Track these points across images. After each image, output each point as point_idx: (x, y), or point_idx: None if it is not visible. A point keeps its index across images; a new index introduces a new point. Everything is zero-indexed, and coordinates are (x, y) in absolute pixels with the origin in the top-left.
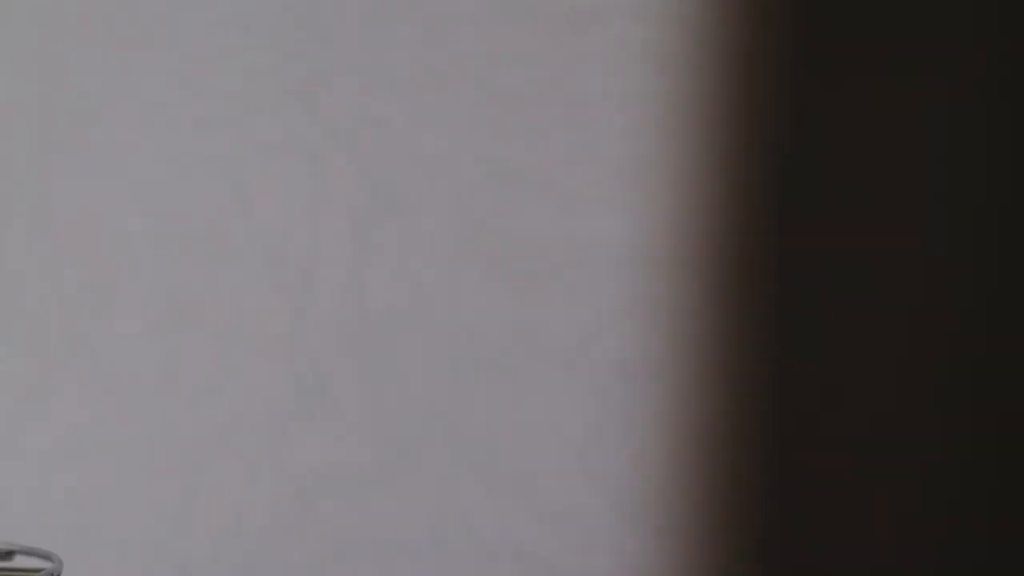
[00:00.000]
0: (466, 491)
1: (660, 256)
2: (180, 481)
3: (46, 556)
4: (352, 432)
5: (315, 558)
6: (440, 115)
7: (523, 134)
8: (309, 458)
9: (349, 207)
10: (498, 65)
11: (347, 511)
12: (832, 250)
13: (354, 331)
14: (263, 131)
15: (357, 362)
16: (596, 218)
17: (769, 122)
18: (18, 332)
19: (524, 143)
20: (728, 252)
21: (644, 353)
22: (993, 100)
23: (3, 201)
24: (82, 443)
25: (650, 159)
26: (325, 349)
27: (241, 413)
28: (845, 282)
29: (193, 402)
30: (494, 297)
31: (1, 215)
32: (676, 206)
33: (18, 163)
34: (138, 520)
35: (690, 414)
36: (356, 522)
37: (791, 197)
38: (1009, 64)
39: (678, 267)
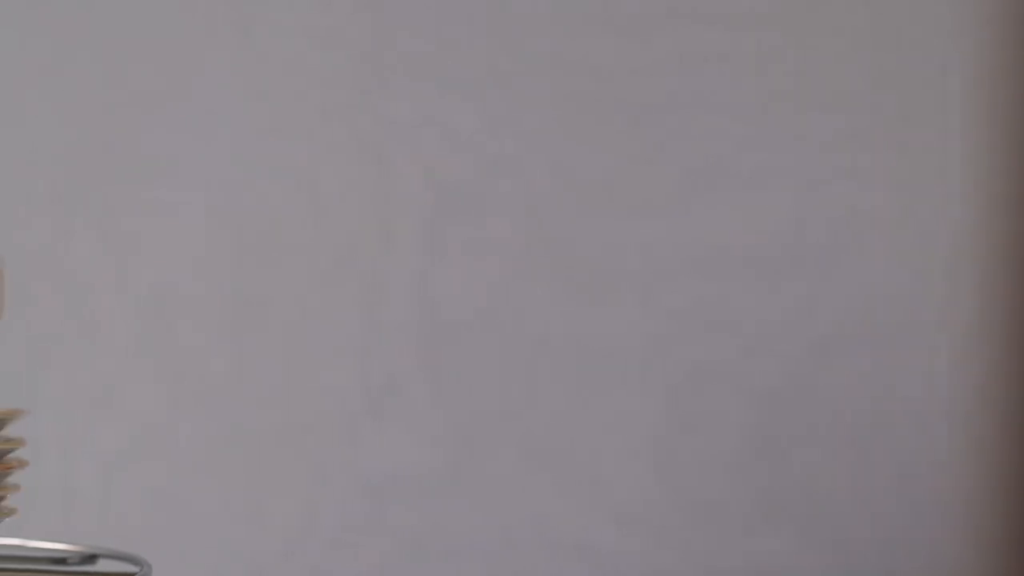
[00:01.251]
0: (538, 493)
1: (733, 261)
2: (251, 482)
3: (133, 560)
4: (423, 434)
5: (386, 560)
6: (510, 119)
7: (592, 138)
8: (380, 460)
9: (418, 211)
10: (567, 69)
11: (418, 513)
12: None
13: (424, 334)
14: (332, 135)
15: (427, 365)
16: (667, 223)
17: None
18: (89, 335)
19: (594, 147)
20: (802, 256)
21: (716, 358)
22: None
23: (72, 205)
24: (153, 444)
25: (720, 164)
26: (395, 352)
27: (312, 415)
28: None
29: (263, 404)
30: (564, 301)
31: (70, 219)
32: (747, 211)
33: (86, 167)
34: (209, 521)
35: (760, 419)
36: (428, 524)
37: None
38: None
39: (750, 272)
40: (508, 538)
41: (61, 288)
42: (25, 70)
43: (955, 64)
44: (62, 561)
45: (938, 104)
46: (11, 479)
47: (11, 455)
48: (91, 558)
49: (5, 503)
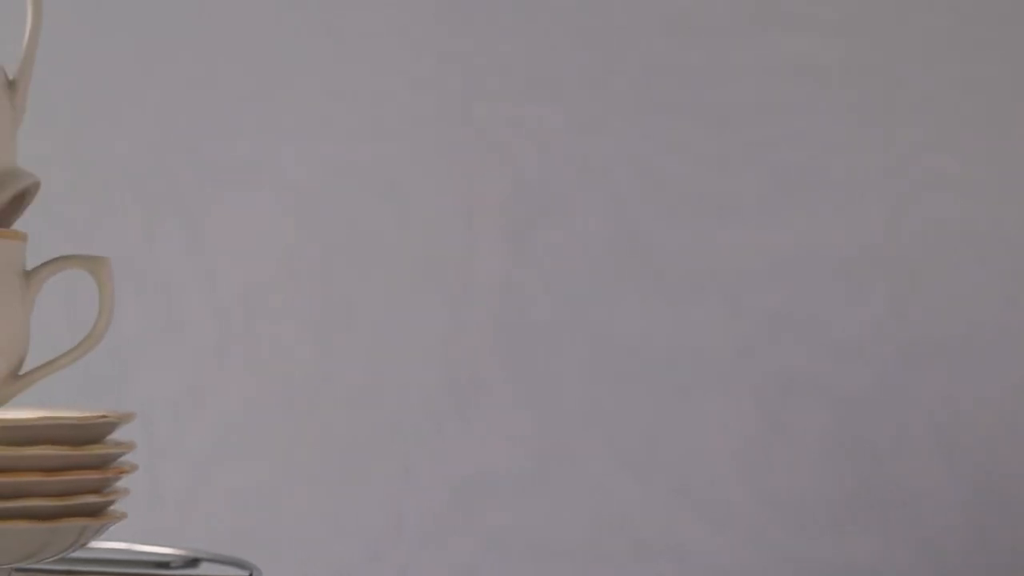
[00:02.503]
0: (624, 493)
1: (821, 266)
2: (339, 482)
3: (239, 564)
4: (510, 435)
5: (474, 559)
6: (598, 122)
7: (681, 142)
8: (467, 460)
9: (505, 213)
10: (656, 73)
11: (505, 513)
12: None
13: (510, 336)
14: (419, 138)
15: (514, 366)
16: (756, 228)
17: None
18: (177, 337)
19: (682, 151)
20: (891, 262)
21: (804, 362)
22: None
23: (160, 208)
24: (241, 445)
25: (809, 169)
26: (482, 353)
27: (399, 415)
28: None
29: (350, 405)
30: (651, 304)
31: (158, 222)
32: (836, 217)
33: (174, 171)
34: (296, 522)
35: (848, 422)
36: (515, 524)
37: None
38: None
39: (839, 277)
40: (595, 538)
41: (149, 290)
42: (114, 76)
43: None
44: (165, 565)
45: None
46: (120, 483)
47: (121, 459)
48: (193, 562)
49: (115, 507)
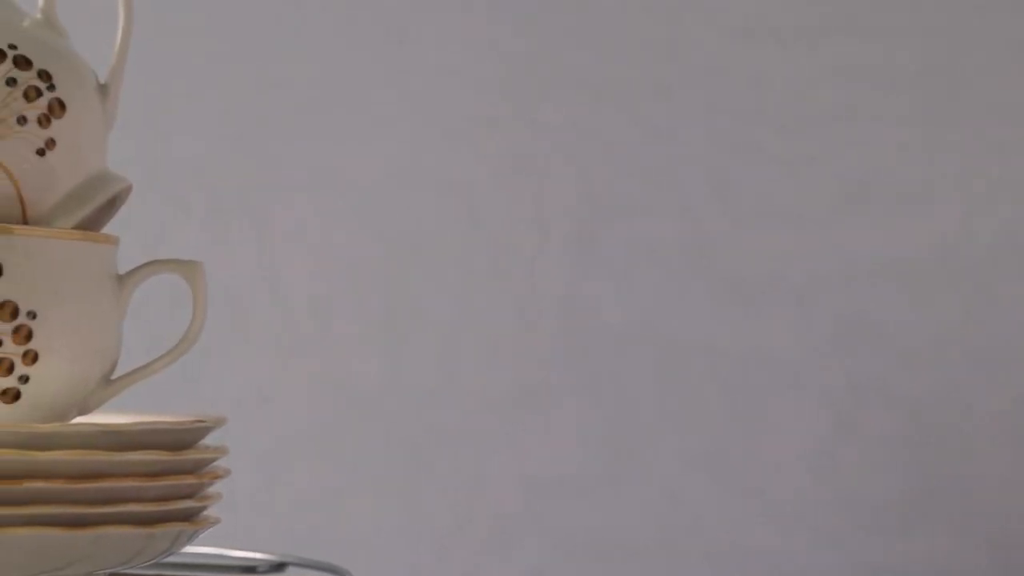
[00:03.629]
0: (695, 495)
1: (890, 272)
2: (406, 483)
3: (330, 568)
4: (579, 437)
5: (542, 560)
6: (666, 128)
7: (750, 148)
8: (536, 462)
9: (573, 217)
10: (724, 79)
11: (574, 513)
12: None
13: (579, 339)
14: (487, 143)
15: (583, 369)
16: (825, 233)
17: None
18: (245, 340)
19: (750, 157)
20: (961, 268)
21: (874, 367)
22: None
23: (228, 213)
24: (309, 446)
25: (879, 174)
26: (551, 357)
27: (467, 419)
28: None
29: (420, 407)
30: (720, 308)
31: (227, 226)
32: (905, 222)
33: (242, 175)
34: (365, 524)
35: (917, 426)
36: (584, 524)
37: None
38: None
39: (908, 283)
40: (666, 539)
41: (218, 294)
42: (183, 81)
43: None
44: (252, 570)
45: None
46: (213, 488)
47: (214, 464)
48: (280, 566)
49: (208, 513)
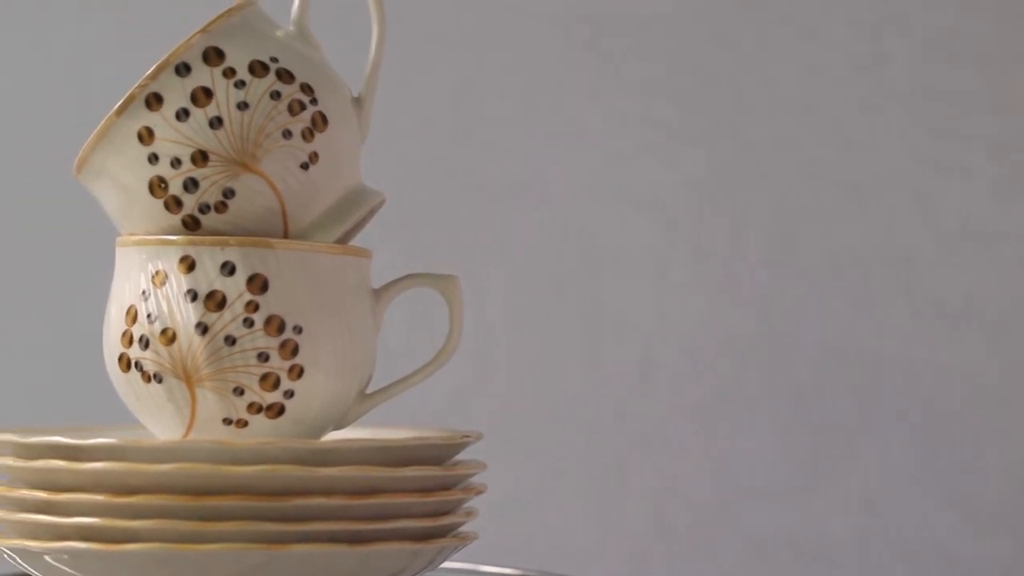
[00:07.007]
0: (893, 504)
1: None
2: (606, 491)
3: None
4: (778, 446)
5: (738, 561)
6: (866, 141)
7: (951, 166)
8: (733, 470)
9: (770, 228)
10: (927, 97)
11: (772, 521)
12: None
13: (775, 350)
14: (686, 158)
15: (780, 379)
16: None
17: None
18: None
19: (952, 174)
20: None
21: None
22: None
23: (425, 223)
24: (508, 447)
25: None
26: (748, 366)
27: (665, 425)
28: None
29: (618, 414)
30: (920, 323)
31: (423, 237)
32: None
33: (440, 187)
34: (563, 529)
35: None
36: (779, 526)
37: None
38: None
39: None
40: (862, 541)
41: (409, 303)
42: (380, 92)
43: None
44: None
45: None
46: (469, 503)
47: (473, 479)
48: None
49: (465, 528)
